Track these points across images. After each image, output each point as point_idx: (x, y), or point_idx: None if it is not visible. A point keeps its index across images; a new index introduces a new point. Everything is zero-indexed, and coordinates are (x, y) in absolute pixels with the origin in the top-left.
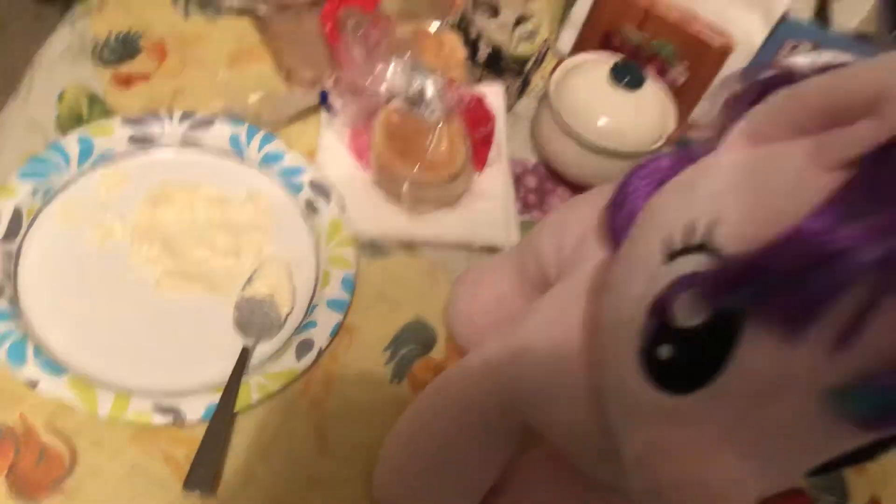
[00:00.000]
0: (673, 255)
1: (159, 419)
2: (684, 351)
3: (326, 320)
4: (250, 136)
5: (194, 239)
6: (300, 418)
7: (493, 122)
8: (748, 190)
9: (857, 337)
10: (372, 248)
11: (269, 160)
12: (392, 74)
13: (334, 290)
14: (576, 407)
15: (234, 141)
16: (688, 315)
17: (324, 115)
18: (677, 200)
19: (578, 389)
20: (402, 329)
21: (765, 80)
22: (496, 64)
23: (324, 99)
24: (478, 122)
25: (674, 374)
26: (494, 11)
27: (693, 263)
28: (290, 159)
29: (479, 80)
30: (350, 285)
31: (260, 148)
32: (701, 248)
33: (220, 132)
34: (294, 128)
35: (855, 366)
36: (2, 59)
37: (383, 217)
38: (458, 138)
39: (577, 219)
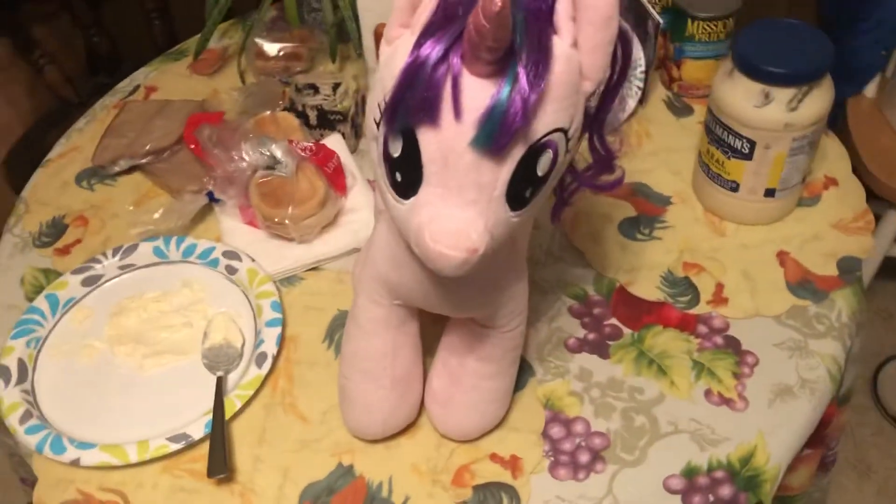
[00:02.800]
0: (378, 123)
1: (174, 446)
2: (405, 170)
3: (270, 335)
4: (167, 243)
5: (154, 328)
6: (277, 407)
7: (336, 156)
8: (389, 67)
9: (460, 102)
10: (287, 280)
11: (187, 253)
12: (248, 154)
13: (268, 314)
14: (411, 267)
15: (157, 251)
16: (395, 148)
17: (217, 208)
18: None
19: (407, 258)
20: (330, 323)
21: None
22: (326, 121)
23: (211, 196)
24: (325, 160)
25: (406, 187)
26: (315, 89)
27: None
28: (202, 245)
29: (321, 137)
30: (278, 306)
31: (178, 248)
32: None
33: (145, 250)
34: (199, 227)
35: (469, 120)
36: None
37: (285, 256)
38: (314, 177)
39: None
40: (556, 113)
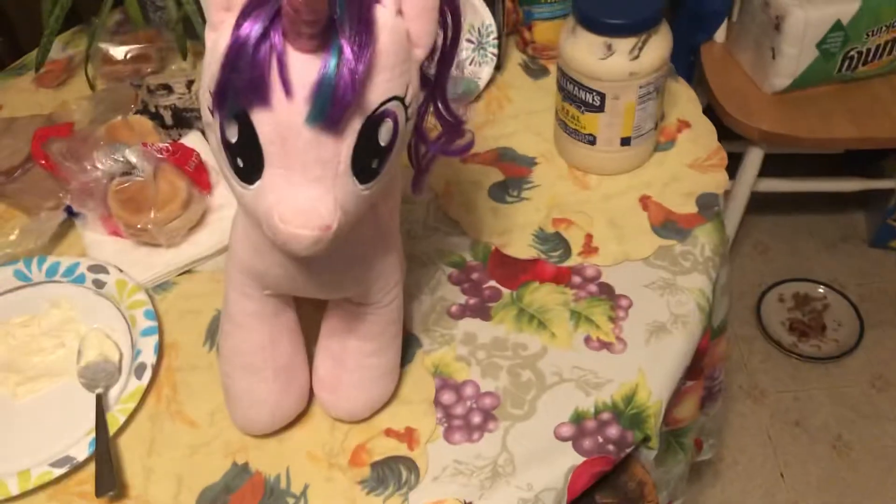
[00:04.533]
0: (211, 111)
1: (58, 471)
2: (245, 155)
3: (147, 345)
4: (28, 265)
5: (25, 353)
6: (163, 416)
7: (196, 154)
8: (214, 53)
9: (288, 80)
10: (161, 287)
11: (51, 273)
12: (102, 163)
13: (143, 324)
14: (272, 254)
15: (19, 274)
16: (231, 134)
17: (77, 222)
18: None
19: (267, 245)
20: (209, 324)
21: None
22: (183, 119)
23: (70, 211)
24: (184, 159)
25: (250, 172)
26: (169, 89)
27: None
28: (66, 262)
29: (179, 137)
30: (152, 314)
31: (40, 268)
32: None
33: (4, 275)
34: (62, 245)
35: (300, 97)
36: None
37: (155, 262)
38: (175, 178)
39: None
40: (388, 82)
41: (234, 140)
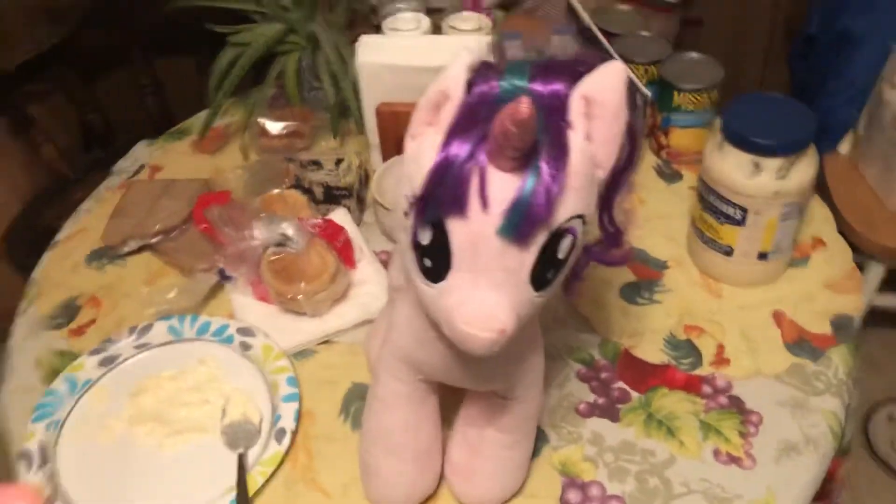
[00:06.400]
0: (407, 214)
1: None
2: (434, 257)
3: (288, 410)
4: (181, 322)
5: (173, 407)
6: (299, 483)
7: (344, 231)
8: (417, 163)
9: (487, 196)
10: (301, 354)
11: (202, 331)
12: (259, 232)
13: (284, 390)
14: (435, 345)
15: (172, 330)
16: (424, 237)
17: (227, 285)
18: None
19: (431, 336)
20: (345, 395)
21: None
22: (332, 196)
23: (222, 274)
24: (334, 235)
25: (436, 272)
26: (319, 165)
27: (412, 212)
28: (216, 323)
29: (327, 212)
30: (294, 381)
31: (192, 326)
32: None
33: (160, 329)
34: (210, 304)
35: (496, 211)
36: None
37: (299, 330)
38: (324, 252)
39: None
40: (574, 201)
41: (425, 243)
